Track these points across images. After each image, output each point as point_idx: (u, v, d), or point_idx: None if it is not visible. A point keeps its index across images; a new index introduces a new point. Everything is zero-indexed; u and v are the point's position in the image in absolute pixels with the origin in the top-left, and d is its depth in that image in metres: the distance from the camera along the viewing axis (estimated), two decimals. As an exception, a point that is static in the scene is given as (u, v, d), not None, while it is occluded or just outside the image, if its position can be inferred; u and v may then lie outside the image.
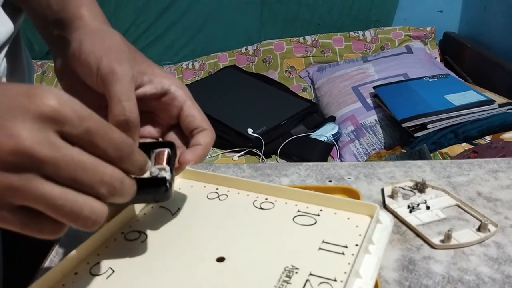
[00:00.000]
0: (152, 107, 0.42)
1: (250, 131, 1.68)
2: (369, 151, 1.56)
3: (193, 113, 0.41)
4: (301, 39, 2.22)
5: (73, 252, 0.42)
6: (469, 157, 1.15)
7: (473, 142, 1.28)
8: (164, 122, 0.43)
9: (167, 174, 0.36)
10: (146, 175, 0.35)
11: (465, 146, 1.26)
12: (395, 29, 2.18)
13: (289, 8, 2.20)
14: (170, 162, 0.37)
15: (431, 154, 1.29)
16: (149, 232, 0.46)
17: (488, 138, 1.27)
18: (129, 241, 0.45)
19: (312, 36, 2.21)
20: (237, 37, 2.26)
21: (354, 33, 2.20)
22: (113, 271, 0.41)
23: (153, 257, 0.43)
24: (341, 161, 1.60)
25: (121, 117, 0.37)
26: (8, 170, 0.26)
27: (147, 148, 0.37)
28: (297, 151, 1.62)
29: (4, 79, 0.50)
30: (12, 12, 0.49)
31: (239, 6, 2.20)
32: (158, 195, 0.36)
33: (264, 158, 1.63)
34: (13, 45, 0.52)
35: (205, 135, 0.41)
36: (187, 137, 0.43)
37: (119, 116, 0.37)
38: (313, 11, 2.21)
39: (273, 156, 1.65)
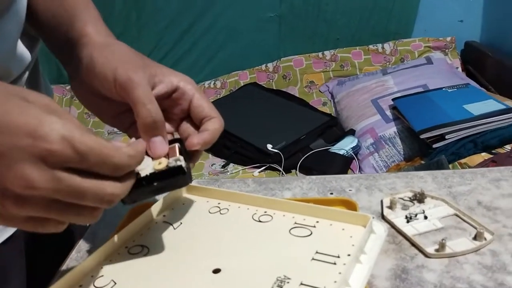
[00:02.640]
0: (165, 105, 0.44)
1: (269, 146, 1.70)
2: (388, 163, 1.55)
3: (202, 104, 0.44)
4: (320, 54, 2.24)
5: (79, 265, 0.44)
6: (487, 167, 1.13)
7: (493, 151, 1.25)
8: (176, 117, 0.46)
9: (182, 163, 0.39)
10: (163, 166, 0.39)
11: (484, 155, 1.24)
12: (415, 40, 2.18)
13: (307, 24, 2.23)
14: (182, 153, 0.40)
15: (450, 165, 1.28)
16: (151, 246, 0.49)
17: (508, 147, 1.25)
18: (132, 255, 0.48)
19: (331, 51, 2.23)
20: (256, 55, 2.30)
21: (373, 46, 2.21)
22: (115, 283, 0.44)
23: (153, 269, 0.45)
24: (361, 173, 1.59)
25: (149, 119, 0.40)
26: (19, 200, 0.32)
27: None
28: (316, 165, 1.62)
29: None
30: (29, 42, 0.53)
31: (257, 24, 2.24)
32: (179, 181, 0.40)
33: (284, 173, 1.64)
34: (32, 72, 0.56)
35: (213, 122, 0.44)
36: (198, 127, 0.45)
37: (146, 118, 0.40)
38: (331, 26, 2.23)
39: (293, 171, 1.66)
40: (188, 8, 2.18)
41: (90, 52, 0.43)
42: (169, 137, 0.45)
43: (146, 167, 0.38)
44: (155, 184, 0.38)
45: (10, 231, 0.55)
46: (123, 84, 0.40)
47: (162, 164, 0.39)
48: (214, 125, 0.43)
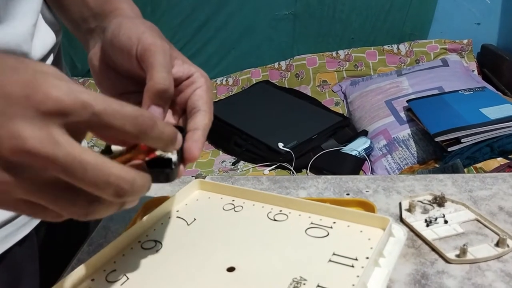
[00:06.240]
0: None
1: (280, 145, 1.69)
2: (401, 165, 1.53)
3: (203, 95, 0.41)
4: (334, 53, 2.22)
5: (91, 259, 0.44)
6: (504, 172, 1.11)
7: (509, 156, 1.23)
8: (178, 107, 0.43)
9: (173, 156, 0.35)
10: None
11: (500, 160, 1.21)
12: (431, 42, 2.15)
13: (321, 23, 2.21)
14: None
15: (466, 169, 1.25)
16: (164, 242, 0.48)
17: (526, 152, 1.23)
18: (145, 250, 0.47)
19: (345, 50, 2.21)
20: (270, 53, 2.28)
21: (388, 46, 2.18)
22: (128, 278, 0.43)
23: (166, 265, 0.44)
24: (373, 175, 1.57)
25: (161, 85, 0.37)
26: (10, 169, 0.27)
27: None
28: (328, 165, 1.61)
29: None
30: (50, 27, 0.53)
31: (272, 22, 2.23)
32: (162, 175, 0.35)
33: (294, 172, 1.63)
34: (54, 61, 0.56)
35: (203, 117, 0.40)
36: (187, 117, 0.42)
37: (159, 84, 0.37)
38: (346, 25, 2.21)
39: (304, 170, 1.65)
40: (203, 5, 2.18)
41: (120, 20, 0.42)
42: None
43: None
44: None
45: (25, 231, 0.53)
46: (146, 46, 0.38)
47: None
48: (204, 120, 0.40)
